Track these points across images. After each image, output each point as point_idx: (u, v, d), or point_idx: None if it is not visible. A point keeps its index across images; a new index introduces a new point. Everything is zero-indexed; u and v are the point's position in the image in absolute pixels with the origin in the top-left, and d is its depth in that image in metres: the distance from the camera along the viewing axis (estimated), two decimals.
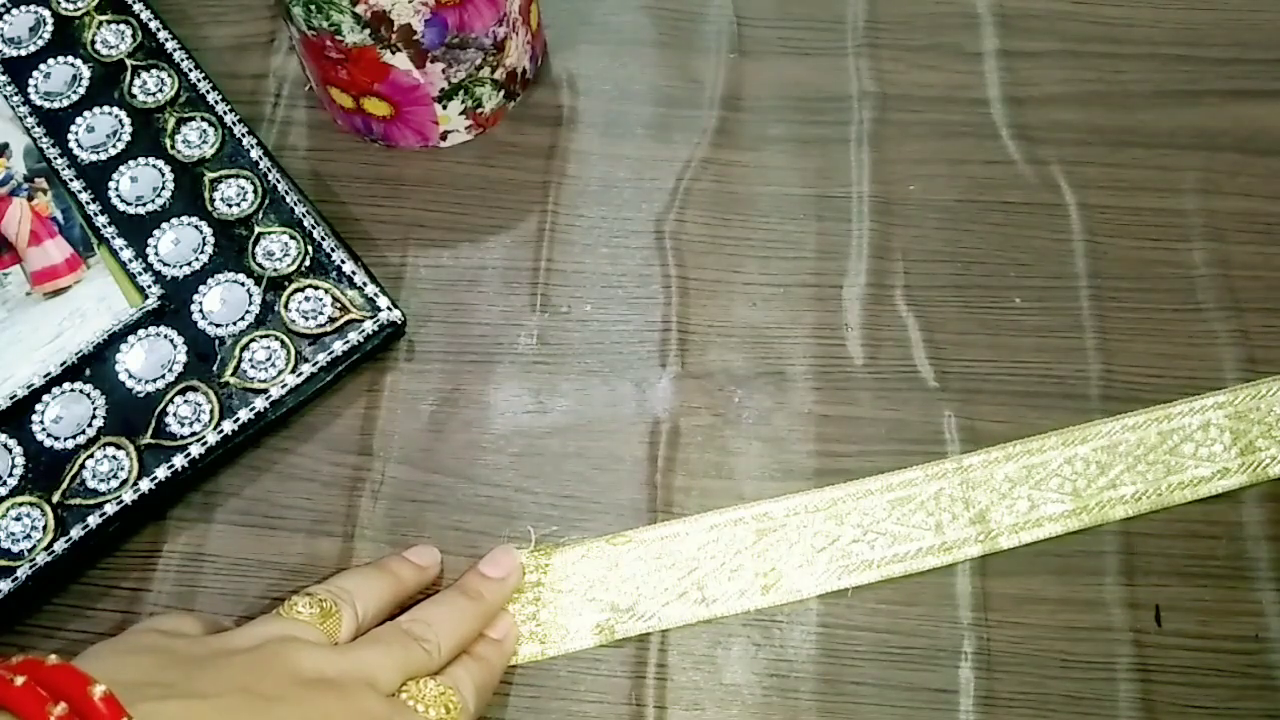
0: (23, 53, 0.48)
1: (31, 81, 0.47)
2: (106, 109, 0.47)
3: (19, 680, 0.27)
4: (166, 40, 0.48)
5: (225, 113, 0.47)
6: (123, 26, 0.49)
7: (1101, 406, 0.42)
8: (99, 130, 0.46)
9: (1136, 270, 0.45)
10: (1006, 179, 0.47)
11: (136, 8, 0.49)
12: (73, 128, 0.46)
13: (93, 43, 0.48)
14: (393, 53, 0.42)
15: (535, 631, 0.38)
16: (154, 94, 0.47)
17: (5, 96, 0.47)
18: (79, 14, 0.49)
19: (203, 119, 0.47)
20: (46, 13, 0.49)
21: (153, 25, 0.49)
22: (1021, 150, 0.47)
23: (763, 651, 0.39)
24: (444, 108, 0.45)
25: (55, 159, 0.46)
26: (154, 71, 0.48)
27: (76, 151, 0.46)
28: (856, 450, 0.42)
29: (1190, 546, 0.40)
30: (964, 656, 0.38)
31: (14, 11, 0.49)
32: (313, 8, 0.41)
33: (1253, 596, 0.39)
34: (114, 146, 0.46)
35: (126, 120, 0.47)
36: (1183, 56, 0.50)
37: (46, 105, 0.47)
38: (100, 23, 0.49)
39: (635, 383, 0.43)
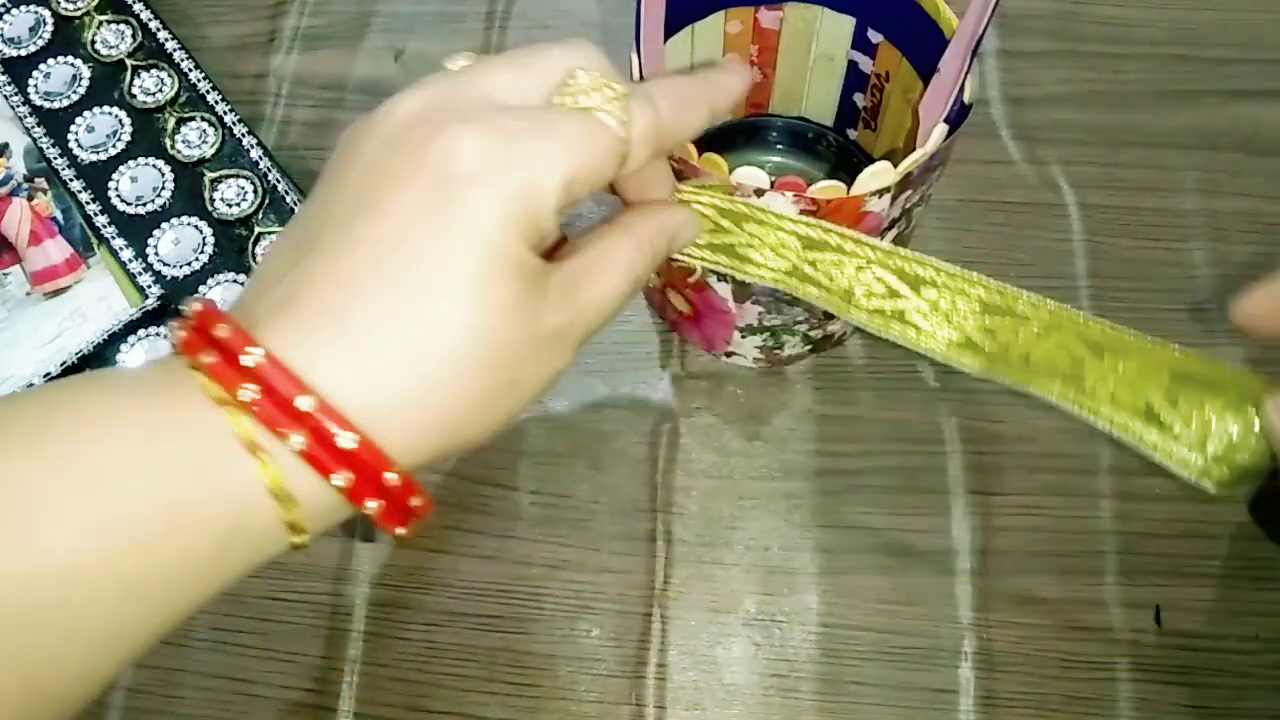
0: (23, 53, 0.48)
1: (31, 81, 0.47)
2: (106, 109, 0.47)
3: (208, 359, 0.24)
4: (166, 40, 0.48)
5: (225, 113, 0.47)
6: (123, 26, 0.49)
7: None
8: (99, 130, 0.46)
9: (1136, 270, 0.45)
10: (1006, 179, 0.47)
11: (136, 8, 0.49)
12: (73, 128, 0.46)
13: (93, 43, 0.48)
14: (717, 278, 0.37)
15: None
16: (154, 94, 0.47)
17: (5, 96, 0.47)
18: (79, 14, 0.49)
19: (203, 119, 0.47)
20: (46, 13, 0.49)
21: (153, 25, 0.49)
22: (1021, 150, 0.47)
23: (763, 651, 0.39)
24: (743, 337, 0.41)
25: (55, 159, 0.46)
26: (154, 71, 0.48)
27: (76, 151, 0.46)
28: (856, 450, 0.42)
29: (1190, 546, 0.40)
30: (964, 656, 0.38)
31: (14, 11, 0.49)
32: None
33: (1253, 596, 0.39)
34: (114, 146, 0.46)
35: (126, 120, 0.47)
36: (1183, 56, 0.50)
37: (46, 105, 0.47)
38: (100, 23, 0.49)
39: (635, 383, 0.43)
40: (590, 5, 0.51)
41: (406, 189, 0.25)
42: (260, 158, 0.46)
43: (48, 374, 0.41)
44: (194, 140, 0.46)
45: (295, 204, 0.44)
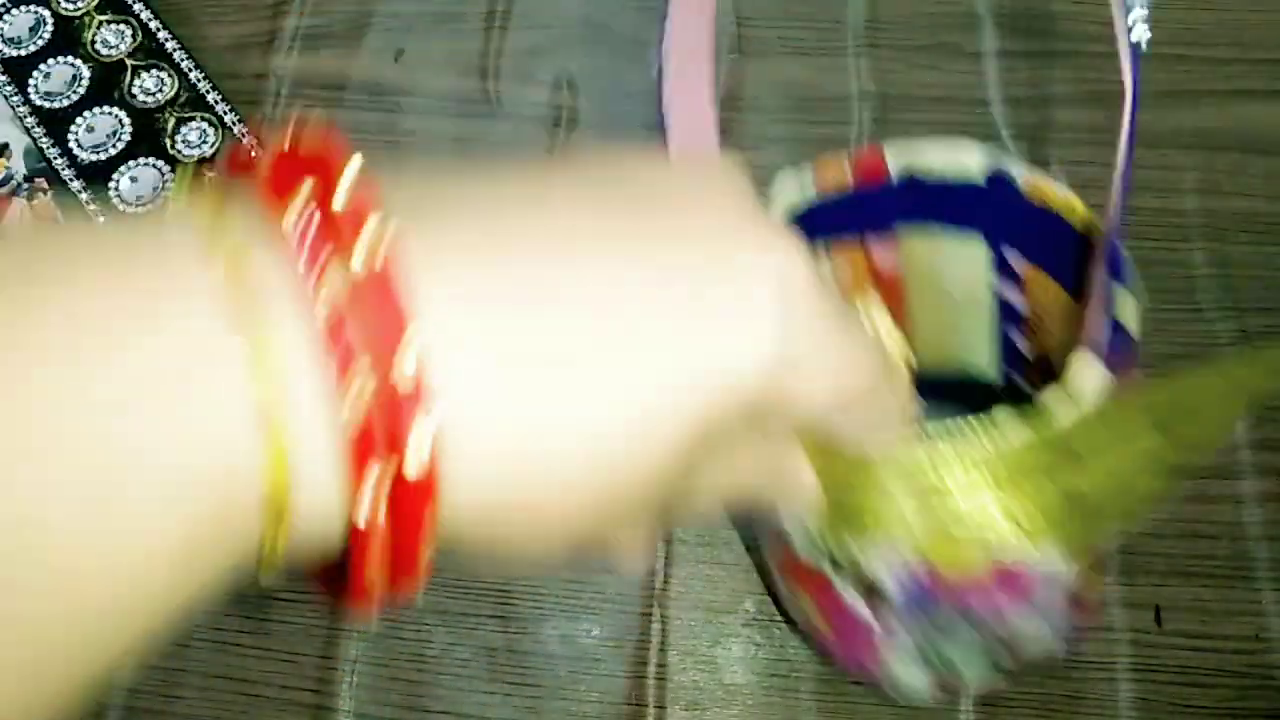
0: (23, 53, 0.48)
1: (31, 81, 0.47)
2: (106, 109, 0.47)
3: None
4: (166, 40, 0.48)
5: (225, 113, 0.47)
6: (123, 26, 0.49)
7: None
8: (99, 130, 0.46)
9: (1136, 270, 0.45)
10: None
11: (136, 8, 0.49)
12: (73, 128, 0.46)
13: (93, 43, 0.48)
14: (843, 581, 0.31)
15: None
16: (154, 94, 0.47)
17: (5, 96, 0.47)
18: (79, 14, 0.49)
19: (203, 119, 0.47)
20: (46, 13, 0.49)
21: (153, 25, 0.49)
22: (1021, 150, 0.47)
23: (763, 651, 0.39)
24: (899, 663, 0.34)
25: (55, 159, 0.46)
26: (154, 71, 0.48)
27: (76, 151, 0.46)
28: None
29: (1190, 546, 0.40)
30: None
31: (14, 11, 0.49)
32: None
33: (1253, 596, 0.39)
34: (114, 146, 0.46)
35: (126, 120, 0.47)
36: (1183, 56, 0.49)
37: (46, 105, 0.47)
38: (100, 23, 0.49)
39: None
40: (590, 5, 0.51)
41: (712, 237, 0.21)
42: None
43: None
44: (194, 140, 0.46)
45: None
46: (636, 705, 0.38)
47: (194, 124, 0.47)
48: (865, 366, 0.23)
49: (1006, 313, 0.35)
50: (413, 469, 0.16)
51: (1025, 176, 0.31)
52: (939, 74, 0.49)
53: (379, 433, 0.16)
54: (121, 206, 0.45)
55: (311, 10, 0.51)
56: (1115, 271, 0.29)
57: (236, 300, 0.16)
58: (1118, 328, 0.29)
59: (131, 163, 0.46)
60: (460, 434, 0.17)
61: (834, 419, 0.24)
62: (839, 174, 0.33)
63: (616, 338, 0.19)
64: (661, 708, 0.38)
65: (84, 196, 0.45)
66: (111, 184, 0.45)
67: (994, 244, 0.33)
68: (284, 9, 0.51)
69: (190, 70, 0.48)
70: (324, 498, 0.16)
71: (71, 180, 0.45)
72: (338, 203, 0.16)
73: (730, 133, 0.48)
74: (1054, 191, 0.31)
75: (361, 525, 0.16)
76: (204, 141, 0.46)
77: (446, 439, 0.17)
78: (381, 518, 0.16)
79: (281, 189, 0.17)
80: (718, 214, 0.22)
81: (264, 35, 0.51)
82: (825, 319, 0.22)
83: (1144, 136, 0.48)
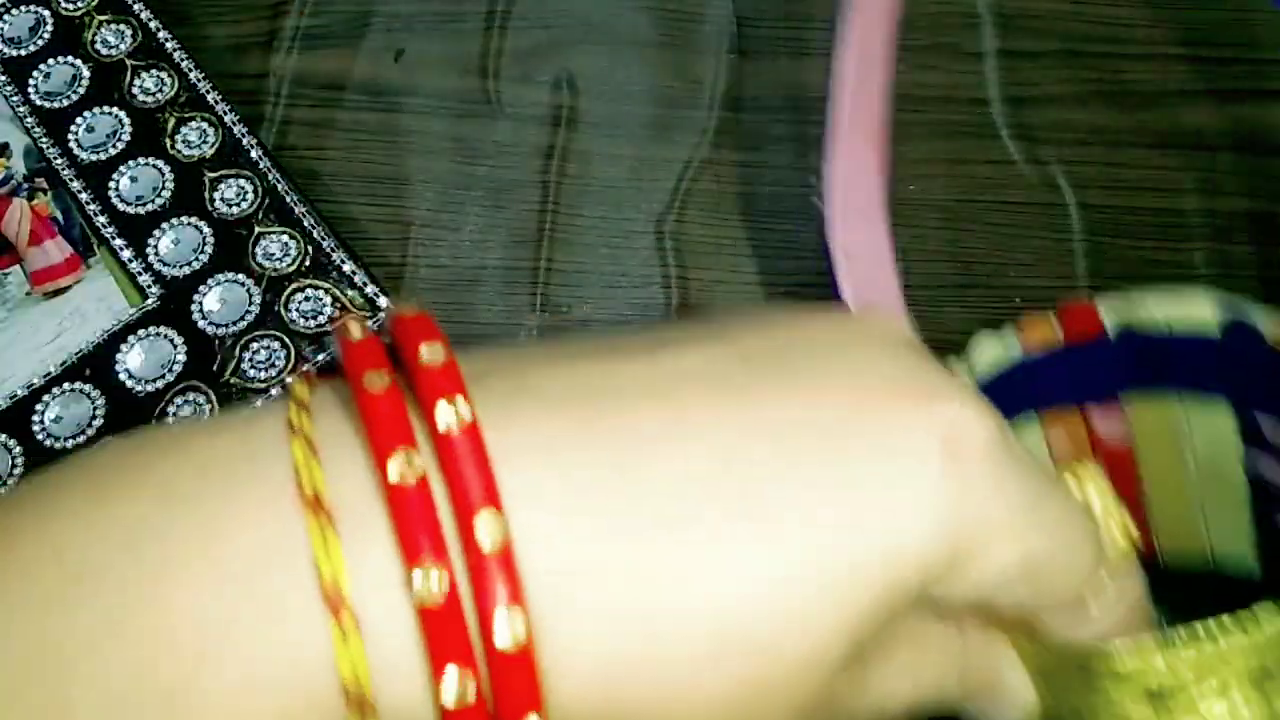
0: (23, 53, 0.48)
1: (31, 81, 0.47)
2: (106, 109, 0.47)
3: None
4: (166, 40, 0.48)
5: (225, 113, 0.47)
6: (123, 26, 0.49)
7: None
8: (99, 130, 0.46)
9: (1136, 270, 0.45)
10: (1006, 179, 0.47)
11: (136, 8, 0.49)
12: (73, 128, 0.46)
13: (93, 43, 0.48)
14: None
15: None
16: (154, 94, 0.47)
17: (5, 96, 0.47)
18: (79, 14, 0.49)
19: (203, 119, 0.47)
20: (46, 13, 0.49)
21: (153, 25, 0.49)
22: (1021, 150, 0.47)
23: None
24: None
25: (55, 159, 0.46)
26: (154, 71, 0.48)
27: (76, 151, 0.46)
28: None
29: None
30: None
31: (14, 11, 0.49)
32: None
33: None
34: (114, 146, 0.46)
35: (126, 120, 0.47)
36: (1183, 56, 0.49)
37: (46, 105, 0.47)
38: (100, 23, 0.49)
39: None
40: (591, 5, 0.51)
41: (861, 394, 0.18)
42: (260, 158, 0.46)
43: (48, 374, 0.41)
44: (194, 140, 0.46)
45: (295, 204, 0.44)
46: None
47: (194, 124, 0.47)
48: (1069, 539, 0.19)
49: (1264, 491, 0.29)
50: (503, 639, 0.15)
51: (1271, 324, 0.27)
52: (939, 74, 0.49)
53: (454, 607, 0.15)
54: (121, 206, 0.45)
55: (311, 10, 0.51)
56: None
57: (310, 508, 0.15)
58: None
59: (131, 163, 0.46)
60: (553, 606, 0.15)
61: (1047, 616, 0.20)
62: (1047, 332, 0.29)
63: (733, 498, 0.16)
64: None
65: (84, 197, 0.45)
66: (111, 184, 0.45)
67: (1242, 409, 0.28)
68: (284, 9, 0.51)
69: (190, 70, 0.48)
70: (398, 681, 0.15)
71: (71, 180, 0.45)
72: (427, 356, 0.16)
73: (730, 133, 0.48)
74: None
75: (451, 701, 0.15)
76: (204, 141, 0.46)
77: (533, 610, 0.15)
78: (471, 695, 0.15)
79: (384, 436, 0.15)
80: (869, 362, 0.18)
81: (264, 35, 0.51)
82: (1016, 481, 0.18)
83: (1144, 136, 0.49)
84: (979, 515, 0.17)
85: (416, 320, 0.17)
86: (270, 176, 0.45)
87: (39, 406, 0.41)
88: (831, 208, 0.23)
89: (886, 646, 0.19)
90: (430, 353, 0.16)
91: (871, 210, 0.24)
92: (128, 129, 0.46)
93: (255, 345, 0.42)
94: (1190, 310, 0.29)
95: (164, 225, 0.44)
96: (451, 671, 0.15)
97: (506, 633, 0.15)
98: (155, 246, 0.44)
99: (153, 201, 0.45)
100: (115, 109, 0.47)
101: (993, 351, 0.29)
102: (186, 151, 0.46)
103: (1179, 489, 0.30)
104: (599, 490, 0.16)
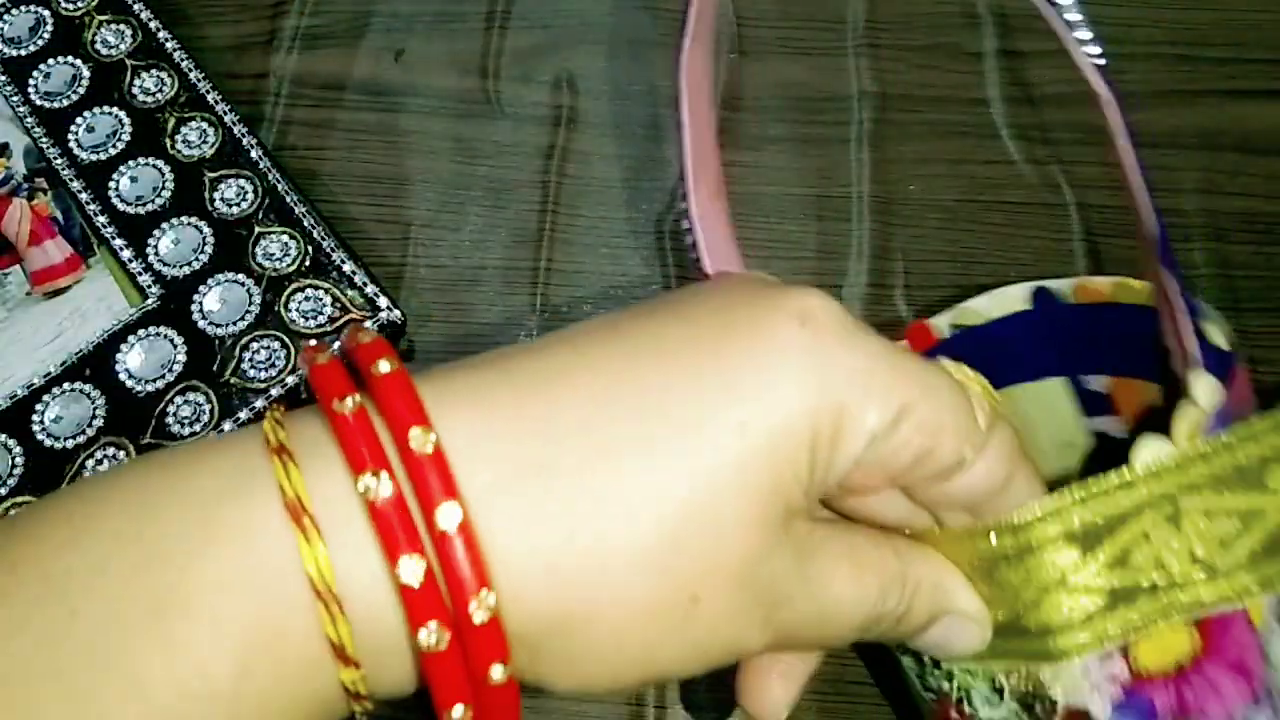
0: (23, 53, 0.48)
1: (31, 81, 0.47)
2: (106, 109, 0.47)
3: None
4: (166, 40, 0.48)
5: (225, 113, 0.47)
6: (123, 26, 0.49)
7: None
8: (99, 130, 0.46)
9: (1136, 270, 0.45)
10: (1006, 179, 0.47)
11: (136, 8, 0.49)
12: (73, 128, 0.46)
13: (93, 43, 0.48)
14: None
15: None
16: (154, 94, 0.47)
17: (5, 96, 0.47)
18: (79, 14, 0.49)
19: (203, 119, 0.47)
20: (46, 13, 0.49)
21: (153, 25, 0.49)
22: (1021, 150, 0.47)
23: None
24: None
25: (55, 159, 0.46)
26: (154, 71, 0.48)
27: (76, 151, 0.46)
28: None
29: None
30: None
31: (14, 11, 0.49)
32: (927, 662, 0.27)
33: None
34: (114, 146, 0.46)
35: (126, 120, 0.47)
36: (1183, 56, 0.50)
37: (46, 105, 0.47)
38: (100, 23, 0.49)
39: None
40: (591, 5, 0.51)
41: (724, 309, 0.21)
42: (260, 158, 0.46)
43: (48, 374, 0.41)
44: (194, 140, 0.46)
45: (295, 204, 0.44)
46: (637, 705, 0.38)
47: (194, 124, 0.47)
48: (937, 389, 0.21)
49: (1109, 443, 0.32)
50: (445, 521, 0.17)
51: (1068, 289, 0.30)
52: (939, 74, 0.49)
53: (427, 574, 0.17)
54: (121, 206, 0.45)
55: (311, 10, 0.51)
56: (1170, 263, 0.27)
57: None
58: (1209, 348, 0.26)
59: (131, 163, 0.46)
60: (496, 544, 0.18)
61: (947, 487, 0.22)
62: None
63: (631, 406, 0.19)
64: (662, 707, 0.38)
65: (84, 197, 0.45)
66: (111, 184, 0.45)
67: (1072, 382, 0.31)
68: (284, 9, 0.51)
69: (190, 70, 0.48)
70: (384, 641, 0.18)
71: (71, 180, 0.45)
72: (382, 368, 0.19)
73: (730, 133, 0.48)
74: (1101, 283, 0.29)
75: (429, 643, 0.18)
76: (204, 141, 0.46)
77: (484, 544, 0.18)
78: (424, 575, 0.18)
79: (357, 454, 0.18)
80: (733, 290, 0.22)
81: (264, 35, 0.51)
82: (871, 339, 0.21)
83: (1144, 136, 0.48)
84: (848, 366, 0.20)
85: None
86: (270, 176, 0.45)
87: (39, 406, 0.41)
88: (687, 188, 0.29)
89: (820, 535, 0.21)
90: (366, 335, 0.20)
91: (717, 186, 0.30)
92: (128, 129, 0.46)
93: (255, 345, 0.42)
94: (1004, 301, 0.32)
95: (164, 225, 0.44)
96: (408, 558, 0.17)
97: (449, 517, 0.17)
98: (155, 246, 0.44)
99: (153, 201, 0.45)
100: (115, 109, 0.47)
101: None
102: (186, 151, 0.46)
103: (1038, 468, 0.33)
104: (515, 417, 0.19)
